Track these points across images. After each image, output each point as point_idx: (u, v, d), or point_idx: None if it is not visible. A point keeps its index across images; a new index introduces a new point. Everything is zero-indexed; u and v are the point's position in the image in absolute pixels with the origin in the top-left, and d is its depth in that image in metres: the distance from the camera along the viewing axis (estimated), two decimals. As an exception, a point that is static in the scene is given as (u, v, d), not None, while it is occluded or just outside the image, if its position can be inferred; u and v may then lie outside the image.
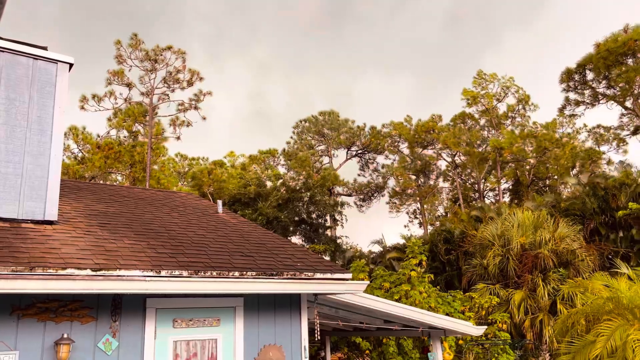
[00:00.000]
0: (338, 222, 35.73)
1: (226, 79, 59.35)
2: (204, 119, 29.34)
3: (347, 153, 43.02)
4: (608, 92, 29.28)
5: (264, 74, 62.82)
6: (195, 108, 29.28)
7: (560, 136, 35.99)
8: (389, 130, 42.46)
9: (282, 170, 39.31)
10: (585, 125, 38.42)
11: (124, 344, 5.58)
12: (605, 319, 9.08)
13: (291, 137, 42.87)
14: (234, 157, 41.47)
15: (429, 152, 41.99)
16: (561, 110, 34.21)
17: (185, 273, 5.55)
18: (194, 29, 56.66)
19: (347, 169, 43.39)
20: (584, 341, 9.08)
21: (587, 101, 31.56)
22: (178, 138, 30.01)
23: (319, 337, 7.35)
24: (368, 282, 7.87)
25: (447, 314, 14.16)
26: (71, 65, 6.81)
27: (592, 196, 22.61)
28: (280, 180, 31.22)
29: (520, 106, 38.47)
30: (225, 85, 57.99)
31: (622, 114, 30.43)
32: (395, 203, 43.32)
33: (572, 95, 31.93)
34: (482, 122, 40.04)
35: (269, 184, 30.11)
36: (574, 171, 35.85)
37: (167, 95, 29.02)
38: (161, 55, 28.26)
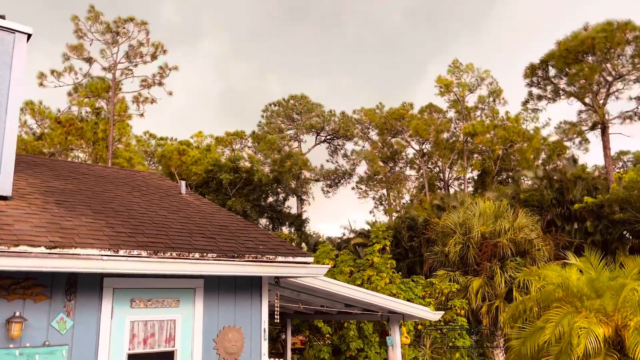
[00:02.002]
0: (305, 201, 35.78)
1: (195, 55, 58.23)
2: (170, 94, 28.70)
3: (316, 138, 43.02)
4: (569, 88, 30.13)
5: (236, 51, 61.89)
6: (160, 84, 28.57)
7: (528, 130, 36.87)
8: (359, 117, 42.63)
9: (250, 152, 39.02)
10: (549, 120, 39.51)
11: (79, 323, 5.51)
12: (555, 306, 9.47)
13: (260, 120, 42.57)
14: (201, 137, 40.90)
15: (397, 139, 42.41)
16: (524, 103, 35.02)
17: (144, 253, 5.49)
18: (160, 1, 55.24)
19: (316, 154, 43.46)
20: (534, 327, 9.45)
21: (549, 96, 32.39)
22: (142, 115, 29.33)
23: (278, 320, 7.40)
24: (329, 266, 7.95)
25: (408, 300, 14.45)
26: (29, 35, 6.55)
27: (549, 189, 23.34)
28: (247, 163, 31.01)
29: (491, 99, 39.15)
30: (194, 62, 56.90)
31: (581, 110, 31.45)
32: (362, 189, 43.72)
33: (535, 90, 32.70)
34: (450, 114, 40.65)
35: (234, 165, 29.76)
36: (538, 162, 36.85)
37: (131, 70, 28.20)
38: (123, 27, 27.37)
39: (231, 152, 39.02)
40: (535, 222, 20.00)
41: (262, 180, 29.30)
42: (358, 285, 14.00)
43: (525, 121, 39.02)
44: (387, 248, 16.58)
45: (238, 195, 27.92)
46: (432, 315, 10.10)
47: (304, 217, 33.57)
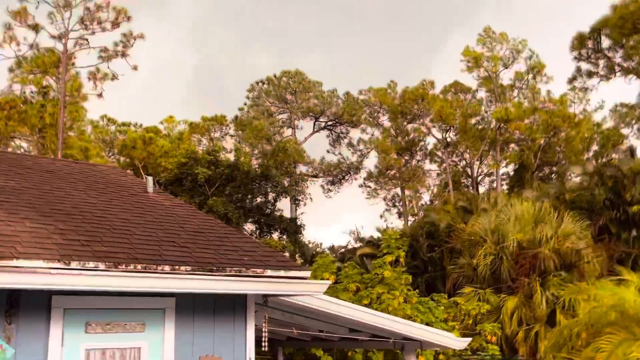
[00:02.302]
0: (300, 202, 35.81)
1: (165, 22, 58.25)
2: (135, 69, 28.65)
3: (314, 124, 43.08)
4: (626, 63, 30.13)
5: (215, 17, 61.90)
6: (123, 55, 28.50)
7: (576, 113, 36.75)
8: (367, 98, 42.65)
9: (232, 142, 39.08)
10: (602, 102, 39.39)
11: (22, 352, 5.52)
12: (607, 332, 9.50)
13: (245, 102, 42.61)
14: (173, 123, 40.96)
15: (415, 126, 42.42)
16: (571, 81, 35.00)
17: (101, 265, 5.52)
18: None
19: (314, 144, 43.26)
20: (582, 357, 9.48)
21: (602, 73, 32.41)
22: (100, 96, 29.31)
23: (266, 348, 7.44)
24: (330, 282, 7.98)
25: (427, 324, 14.49)
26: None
27: (602, 187, 23.37)
28: (230, 156, 31.03)
29: (530, 76, 39.09)
30: (164, 30, 56.89)
31: (643, 89, 31.50)
32: (371, 187, 43.78)
33: (585, 66, 32.72)
34: (480, 94, 40.64)
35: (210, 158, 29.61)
36: (589, 155, 36.77)
37: (87, 40, 28.12)
38: (77, -13, 27.31)
39: (209, 141, 39.05)
40: (585, 229, 20.04)
41: (250, 174, 29.28)
42: (365, 306, 14.03)
43: (573, 103, 39.05)
44: (402, 260, 16.59)
45: (218, 194, 27.93)
46: (456, 342, 10.12)
47: (299, 221, 33.61)
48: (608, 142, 37.22)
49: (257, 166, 31.82)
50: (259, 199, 31.75)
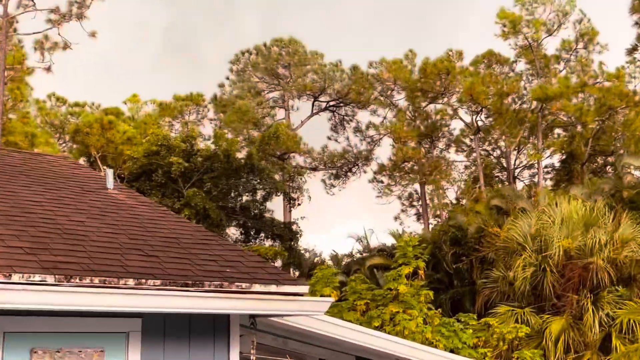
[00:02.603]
0: (295, 202, 35.83)
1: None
2: (93, 35, 28.54)
3: (313, 105, 43.06)
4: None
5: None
6: (79, 17, 28.37)
7: (638, 91, 36.64)
8: (378, 72, 42.60)
9: (211, 126, 39.06)
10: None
11: (-48, 386, 5.52)
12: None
13: (228, 77, 42.58)
14: (138, 103, 40.95)
15: (438, 107, 42.38)
16: (630, 52, 34.91)
17: (50, 279, 5.50)
18: None
19: (313, 128, 43.06)
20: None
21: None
22: (48, 69, 29.21)
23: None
24: (333, 299, 8.00)
25: (451, 351, 14.54)
26: None
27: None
28: (209, 143, 31.02)
29: (581, 45, 39.02)
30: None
31: None
32: (383, 182, 43.78)
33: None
34: (520, 66, 40.50)
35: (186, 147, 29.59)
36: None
37: (33, 1, 28.05)
38: None
39: (183, 125, 39.01)
40: (647, 233, 20.05)
41: (233, 164, 29.24)
42: (376, 328, 14.06)
43: (633, 79, 39.01)
44: (421, 272, 16.60)
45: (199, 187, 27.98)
46: (488, 373, 10.14)
47: (294, 227, 33.64)
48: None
49: (243, 157, 31.76)
50: (245, 198, 31.76)
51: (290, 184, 35.71)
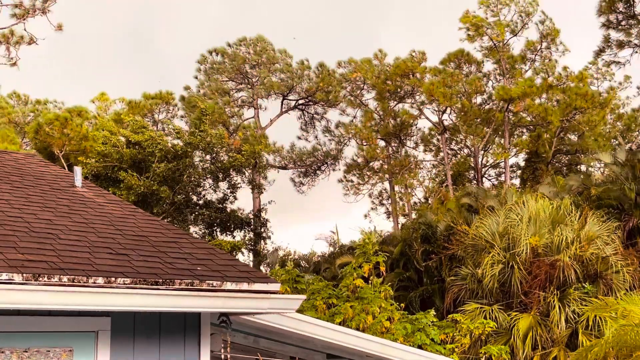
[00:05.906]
0: (263, 188, 35.70)
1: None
2: (60, 28, 28.15)
3: (282, 103, 43.00)
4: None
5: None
6: (44, 12, 28.00)
7: (601, 91, 37.20)
8: (347, 72, 42.69)
9: (180, 125, 38.76)
10: (625, 81, 39.96)
11: None
12: (639, 355, 9.65)
13: (197, 77, 42.33)
14: (106, 101, 40.59)
15: (406, 107, 42.62)
16: (598, 54, 35.28)
17: (17, 277, 5.45)
18: None
19: (284, 125, 42.96)
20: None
21: (636, 42, 32.78)
22: (14, 64, 28.75)
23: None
24: (304, 297, 8.01)
25: (419, 347, 14.59)
26: None
27: (633, 180, 23.70)
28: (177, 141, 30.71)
29: (544, 44, 39.45)
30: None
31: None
32: (352, 181, 43.92)
33: (615, 34, 32.98)
34: (488, 66, 40.85)
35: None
36: (621, 142, 37.27)
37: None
38: None
39: (153, 124, 38.72)
40: (613, 231, 20.30)
41: (197, 169, 29.14)
42: (338, 325, 14.14)
43: (595, 80, 39.59)
44: (382, 268, 16.74)
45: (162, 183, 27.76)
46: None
47: (264, 213, 33.54)
48: (637, 125, 37.93)
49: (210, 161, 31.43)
50: (208, 197, 31.60)
51: (259, 177, 35.59)
